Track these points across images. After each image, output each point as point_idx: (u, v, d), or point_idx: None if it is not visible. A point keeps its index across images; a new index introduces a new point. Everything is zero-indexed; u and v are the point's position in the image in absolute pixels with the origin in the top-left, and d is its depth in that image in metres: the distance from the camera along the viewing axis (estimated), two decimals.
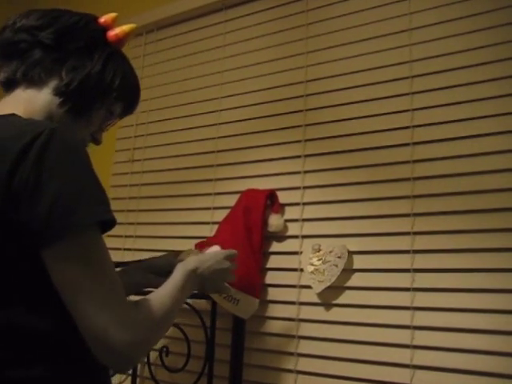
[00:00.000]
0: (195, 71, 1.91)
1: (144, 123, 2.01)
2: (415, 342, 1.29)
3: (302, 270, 1.47)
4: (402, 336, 1.31)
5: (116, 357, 0.79)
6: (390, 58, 1.50)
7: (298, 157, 1.58)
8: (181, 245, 1.67)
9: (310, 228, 1.52)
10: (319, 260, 1.43)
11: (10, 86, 0.97)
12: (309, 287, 1.44)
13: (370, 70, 1.52)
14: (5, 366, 0.80)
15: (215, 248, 1.25)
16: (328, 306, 1.43)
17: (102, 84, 1.00)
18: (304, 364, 1.44)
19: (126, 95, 1.07)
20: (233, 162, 1.72)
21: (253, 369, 1.51)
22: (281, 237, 1.55)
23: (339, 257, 1.40)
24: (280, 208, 1.56)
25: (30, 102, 0.95)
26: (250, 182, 1.64)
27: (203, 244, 1.48)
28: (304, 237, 1.52)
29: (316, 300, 1.45)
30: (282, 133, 1.64)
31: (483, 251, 1.26)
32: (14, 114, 0.90)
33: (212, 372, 1.48)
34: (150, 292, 0.95)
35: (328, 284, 1.39)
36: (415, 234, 1.35)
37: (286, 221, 1.55)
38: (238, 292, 1.44)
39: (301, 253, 1.49)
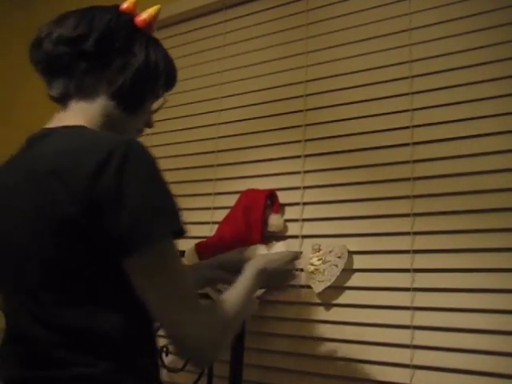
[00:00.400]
0: (195, 71, 1.91)
1: None
2: (415, 342, 1.29)
3: (301, 269, 1.47)
4: (402, 336, 1.31)
5: (193, 354, 0.88)
6: (389, 58, 1.50)
7: (298, 157, 1.58)
8: (181, 244, 1.66)
9: (309, 228, 1.52)
10: (319, 260, 1.43)
11: (64, 100, 0.99)
12: (309, 287, 1.44)
13: (369, 70, 1.52)
14: (66, 364, 0.83)
15: (281, 247, 1.28)
16: (328, 305, 1.43)
17: (151, 74, 1.02)
18: (303, 364, 1.44)
19: (168, 75, 1.08)
20: (233, 162, 1.72)
21: (253, 369, 1.51)
22: (281, 237, 1.55)
23: (339, 257, 1.40)
24: (280, 208, 1.56)
25: (87, 111, 0.97)
26: (250, 182, 1.64)
27: (214, 243, 1.50)
28: (304, 237, 1.52)
29: (316, 300, 1.45)
30: (281, 133, 1.64)
31: (483, 251, 1.26)
32: (83, 126, 0.94)
33: (212, 372, 1.48)
34: None
35: (328, 284, 1.39)
36: (415, 234, 1.35)
37: (286, 221, 1.55)
38: None
39: (301, 253, 1.48)
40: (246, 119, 1.73)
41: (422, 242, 1.34)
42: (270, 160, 1.65)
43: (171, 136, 1.91)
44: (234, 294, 0.99)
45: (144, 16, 1.04)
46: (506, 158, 1.27)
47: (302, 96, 1.63)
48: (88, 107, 0.98)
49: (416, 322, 1.30)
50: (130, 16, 1.03)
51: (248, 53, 1.79)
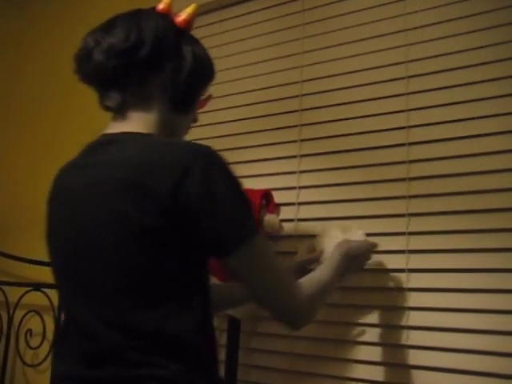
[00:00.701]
0: None
1: None
2: (410, 342, 1.29)
3: None
4: (397, 336, 1.31)
5: (301, 326, 1.03)
6: (385, 58, 1.50)
7: (294, 157, 1.58)
8: None
9: (305, 228, 1.52)
10: None
11: (121, 109, 1.01)
12: None
13: (365, 70, 1.52)
14: (137, 365, 0.85)
15: (360, 234, 1.29)
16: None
17: (200, 73, 1.06)
18: (298, 364, 1.44)
19: (212, 70, 1.11)
20: (228, 162, 1.72)
21: (248, 369, 1.51)
22: (276, 237, 1.55)
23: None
24: (275, 208, 1.56)
25: (145, 118, 1.00)
26: (246, 182, 1.61)
27: None
28: (299, 236, 1.52)
29: None
30: (277, 133, 1.64)
31: (479, 251, 1.26)
32: (149, 134, 0.97)
33: None
34: None
35: None
36: (410, 234, 1.35)
37: (282, 220, 1.55)
38: None
39: (296, 252, 1.48)
40: (241, 119, 1.73)
41: (417, 242, 1.34)
42: (265, 160, 1.64)
43: None
44: (324, 273, 1.10)
45: (183, 16, 1.05)
46: (502, 159, 1.27)
47: (297, 96, 1.63)
48: (145, 114, 1.00)
49: (411, 322, 1.30)
50: (169, 18, 1.04)
51: (243, 53, 1.79)
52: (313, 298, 1.02)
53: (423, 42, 1.44)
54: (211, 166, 0.88)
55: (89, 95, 1.09)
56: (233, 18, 1.85)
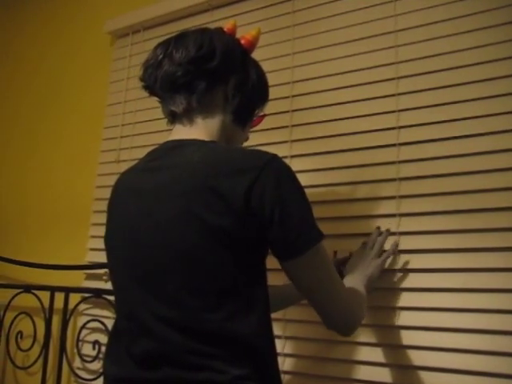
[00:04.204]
0: None
1: (131, 123, 2.00)
2: (405, 343, 1.30)
3: None
4: (390, 335, 1.32)
5: (351, 331, 1.07)
6: (376, 59, 1.50)
7: (285, 157, 1.58)
8: None
9: None
10: None
11: (186, 115, 1.05)
12: None
13: (356, 71, 1.53)
14: (195, 368, 0.86)
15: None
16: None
17: (261, 91, 1.15)
18: (291, 364, 1.44)
19: (267, 92, 1.19)
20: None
21: None
22: None
23: None
24: None
25: (209, 126, 1.05)
26: None
27: None
28: None
29: (303, 301, 1.44)
30: (268, 133, 1.64)
31: (470, 251, 1.27)
32: (216, 142, 1.02)
33: None
34: None
35: None
36: (401, 234, 1.36)
37: None
38: None
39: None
40: None
41: (407, 242, 1.34)
42: None
43: (158, 136, 1.88)
44: (360, 289, 1.17)
45: (249, 38, 1.13)
46: (492, 159, 1.28)
47: (288, 97, 1.63)
48: (209, 122, 1.05)
49: (401, 322, 1.31)
50: (236, 38, 1.12)
51: None
52: (359, 306, 1.09)
53: (413, 43, 1.45)
54: (281, 172, 0.93)
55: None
56: (223, 19, 1.84)
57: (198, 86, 1.03)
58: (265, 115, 1.25)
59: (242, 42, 1.12)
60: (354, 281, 1.19)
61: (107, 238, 1.06)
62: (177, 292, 0.89)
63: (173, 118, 1.09)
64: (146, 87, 1.09)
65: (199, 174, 0.91)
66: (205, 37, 1.05)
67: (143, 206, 0.97)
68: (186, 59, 1.02)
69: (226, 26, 1.13)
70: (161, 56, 1.05)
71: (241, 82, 1.07)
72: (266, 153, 0.95)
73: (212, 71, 1.03)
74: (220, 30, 1.11)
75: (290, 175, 0.95)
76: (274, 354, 0.95)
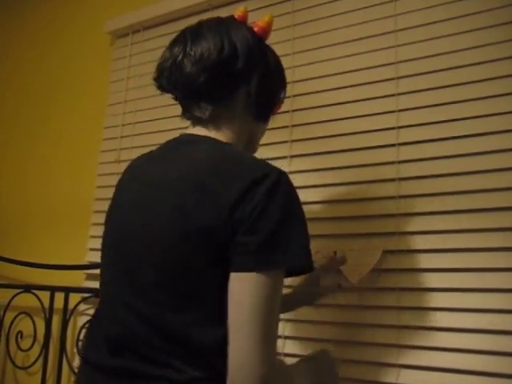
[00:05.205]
0: None
1: (131, 123, 2.00)
2: (401, 342, 1.29)
3: None
4: (390, 335, 1.32)
5: None
6: (376, 59, 1.50)
7: (285, 157, 1.59)
8: None
9: None
10: None
11: (212, 120, 1.02)
12: None
13: (356, 71, 1.53)
14: (156, 363, 0.84)
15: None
16: (314, 306, 1.43)
17: (281, 80, 1.12)
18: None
19: (285, 76, 1.16)
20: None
21: None
22: None
23: (325, 257, 1.40)
24: None
25: (229, 126, 1.03)
26: None
27: None
28: None
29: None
30: (268, 133, 1.61)
31: (470, 251, 1.27)
32: (230, 144, 1.00)
33: None
34: None
35: None
36: (401, 234, 1.36)
37: None
38: None
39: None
40: None
41: (407, 242, 1.34)
42: None
43: (158, 136, 1.88)
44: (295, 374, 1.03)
45: (262, 25, 1.08)
46: (492, 159, 1.28)
47: (288, 97, 1.63)
48: (230, 121, 1.03)
49: (402, 322, 1.31)
50: (250, 27, 1.06)
51: None
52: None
53: (413, 42, 1.45)
54: (277, 189, 0.87)
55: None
56: None
57: (222, 90, 1.00)
58: (283, 101, 1.19)
59: (256, 29, 1.07)
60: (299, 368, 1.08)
61: (106, 218, 1.05)
62: (149, 287, 0.88)
63: (196, 120, 1.04)
64: (165, 89, 1.05)
65: (199, 172, 0.89)
66: (223, 34, 1.00)
67: (141, 195, 0.96)
68: (208, 63, 0.97)
69: (237, 13, 1.09)
70: (180, 56, 1.00)
71: (263, 77, 1.03)
72: (274, 167, 0.91)
73: (235, 73, 1.00)
74: (233, 19, 1.07)
75: (288, 194, 0.89)
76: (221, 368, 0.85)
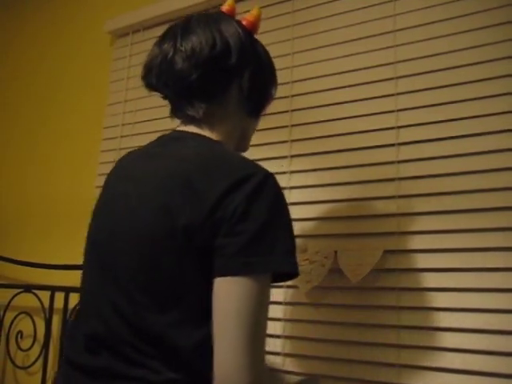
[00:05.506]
0: None
1: (130, 123, 2.00)
2: (405, 342, 1.30)
3: None
4: (390, 335, 1.32)
5: None
6: (375, 59, 1.51)
7: (285, 157, 1.59)
8: None
9: (296, 228, 1.51)
10: (306, 260, 1.43)
11: (206, 118, 0.99)
12: (295, 287, 1.45)
13: (355, 70, 1.53)
14: (133, 363, 0.82)
15: None
16: (315, 306, 1.43)
17: (272, 74, 1.09)
18: (290, 364, 1.44)
19: (275, 69, 1.12)
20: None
21: None
22: None
23: (326, 257, 1.40)
24: None
25: (221, 124, 1.00)
26: None
27: None
28: None
29: (303, 300, 1.45)
30: (267, 133, 1.64)
31: (470, 251, 1.27)
32: (219, 142, 0.97)
33: None
34: None
35: (315, 284, 1.39)
36: (401, 233, 1.36)
37: None
38: None
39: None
40: None
41: (407, 242, 1.35)
42: (256, 160, 1.62)
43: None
44: None
45: (250, 19, 1.06)
46: (491, 159, 1.28)
47: (287, 97, 1.64)
48: (223, 119, 1.01)
49: (401, 322, 1.31)
50: (239, 21, 1.04)
51: None
52: None
53: (412, 42, 1.46)
54: (262, 189, 0.84)
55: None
56: None
57: (215, 87, 0.98)
58: (273, 97, 1.16)
59: (244, 23, 1.04)
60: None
61: (92, 216, 1.02)
62: (132, 286, 0.86)
63: (188, 119, 1.01)
64: (153, 88, 1.02)
65: (187, 170, 0.86)
66: (214, 29, 0.97)
67: (127, 193, 0.93)
68: (200, 59, 0.94)
69: (224, 7, 1.07)
70: (171, 53, 0.96)
71: (255, 72, 1.01)
72: (261, 168, 0.88)
73: (228, 69, 0.97)
74: (222, 13, 1.04)
75: (274, 196, 0.86)
76: (211, 369, 0.81)
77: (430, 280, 1.30)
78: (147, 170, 0.93)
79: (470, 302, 1.24)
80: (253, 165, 0.88)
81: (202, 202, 0.82)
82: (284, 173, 1.58)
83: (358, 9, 1.57)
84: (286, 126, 1.61)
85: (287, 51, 1.67)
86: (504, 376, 1.17)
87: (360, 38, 1.55)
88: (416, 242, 1.34)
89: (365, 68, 1.52)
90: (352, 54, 1.55)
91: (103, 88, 2.17)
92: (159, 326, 0.83)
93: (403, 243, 1.35)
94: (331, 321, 1.40)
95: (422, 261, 1.32)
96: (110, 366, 0.84)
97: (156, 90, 1.03)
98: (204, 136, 0.97)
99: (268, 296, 0.84)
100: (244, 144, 1.13)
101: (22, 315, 2.03)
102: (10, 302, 2.00)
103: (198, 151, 0.91)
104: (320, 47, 1.62)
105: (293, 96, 1.63)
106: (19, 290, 1.99)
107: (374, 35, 1.52)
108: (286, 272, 0.87)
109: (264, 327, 0.83)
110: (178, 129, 1.01)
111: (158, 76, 0.99)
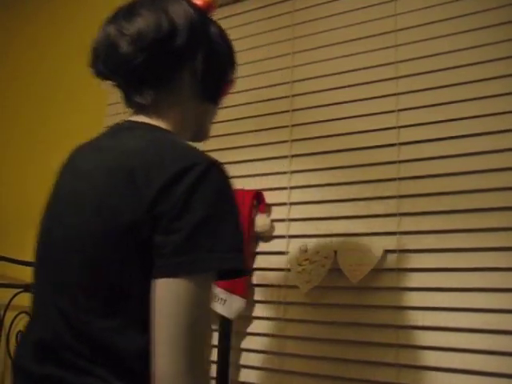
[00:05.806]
0: None
1: None
2: (404, 342, 1.30)
3: (288, 270, 1.47)
4: (389, 335, 1.32)
5: None
6: (375, 59, 1.51)
7: (285, 157, 1.59)
8: None
9: (296, 228, 1.52)
10: (306, 260, 1.43)
11: (155, 106, 0.93)
12: (295, 287, 1.45)
13: (355, 70, 1.53)
14: (80, 371, 0.77)
15: None
16: (315, 305, 1.43)
17: (229, 57, 1.01)
18: (290, 364, 1.44)
19: (233, 52, 1.04)
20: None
21: (239, 368, 1.51)
22: (267, 237, 1.55)
23: (326, 257, 1.40)
24: (266, 208, 1.56)
25: (174, 111, 0.94)
26: (237, 182, 1.63)
27: None
28: (291, 237, 1.52)
29: (303, 300, 1.45)
30: (268, 133, 1.64)
31: (470, 251, 1.27)
32: (168, 132, 0.90)
33: None
34: None
35: (315, 284, 1.39)
36: (401, 233, 1.36)
37: (273, 221, 1.56)
38: (225, 292, 1.44)
39: (287, 253, 1.49)
40: (232, 119, 1.73)
41: (408, 242, 1.35)
42: (256, 160, 1.65)
43: None
44: None
45: None
46: (492, 159, 1.28)
47: (288, 96, 1.64)
48: (175, 107, 0.94)
49: (401, 322, 1.31)
50: (189, 0, 0.95)
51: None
52: None
53: (413, 42, 1.46)
54: (203, 180, 0.77)
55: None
56: (223, 18, 1.84)
57: (164, 72, 0.91)
58: (233, 81, 1.07)
59: (199, 3, 0.95)
60: None
61: (42, 214, 0.98)
62: (76, 290, 0.81)
63: (139, 108, 0.94)
64: (102, 75, 0.94)
65: (129, 165, 0.80)
66: (159, 9, 0.90)
67: (72, 188, 0.89)
68: (145, 42, 0.87)
69: None
70: (113, 36, 0.89)
71: (208, 54, 0.94)
72: (205, 156, 0.81)
73: (177, 51, 0.90)
74: None
75: (217, 186, 0.80)
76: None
77: (430, 280, 1.30)
78: (94, 165, 0.87)
79: (470, 302, 1.24)
80: (196, 154, 0.81)
81: (143, 197, 0.77)
82: (284, 173, 1.58)
83: (358, 9, 1.57)
84: (287, 126, 1.61)
85: (287, 51, 1.67)
86: (504, 376, 1.17)
87: (360, 38, 1.55)
88: (416, 242, 1.34)
89: (365, 68, 1.52)
90: (352, 54, 1.55)
91: (103, 88, 2.17)
92: (103, 331, 0.78)
93: (403, 243, 1.35)
94: (331, 321, 1.40)
95: (421, 261, 1.32)
96: (58, 374, 0.79)
97: (107, 79, 0.95)
98: (152, 125, 0.91)
99: (208, 296, 0.79)
100: (202, 132, 1.06)
101: (22, 315, 2.02)
102: (10, 302, 2.00)
103: (143, 144, 0.84)
104: (320, 47, 1.62)
105: (293, 96, 1.63)
106: (19, 290, 1.98)
107: (375, 35, 1.53)
108: (232, 268, 0.80)
109: (203, 328, 0.77)
110: (130, 118, 0.95)
111: (104, 62, 0.92)
